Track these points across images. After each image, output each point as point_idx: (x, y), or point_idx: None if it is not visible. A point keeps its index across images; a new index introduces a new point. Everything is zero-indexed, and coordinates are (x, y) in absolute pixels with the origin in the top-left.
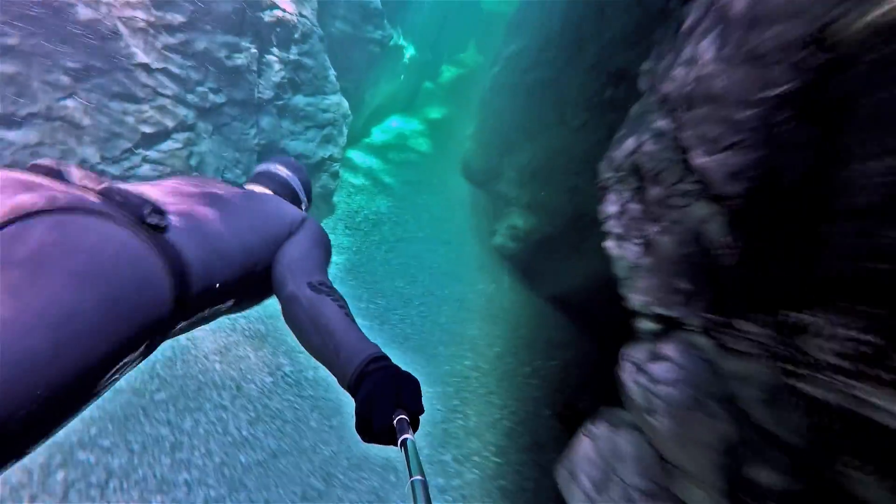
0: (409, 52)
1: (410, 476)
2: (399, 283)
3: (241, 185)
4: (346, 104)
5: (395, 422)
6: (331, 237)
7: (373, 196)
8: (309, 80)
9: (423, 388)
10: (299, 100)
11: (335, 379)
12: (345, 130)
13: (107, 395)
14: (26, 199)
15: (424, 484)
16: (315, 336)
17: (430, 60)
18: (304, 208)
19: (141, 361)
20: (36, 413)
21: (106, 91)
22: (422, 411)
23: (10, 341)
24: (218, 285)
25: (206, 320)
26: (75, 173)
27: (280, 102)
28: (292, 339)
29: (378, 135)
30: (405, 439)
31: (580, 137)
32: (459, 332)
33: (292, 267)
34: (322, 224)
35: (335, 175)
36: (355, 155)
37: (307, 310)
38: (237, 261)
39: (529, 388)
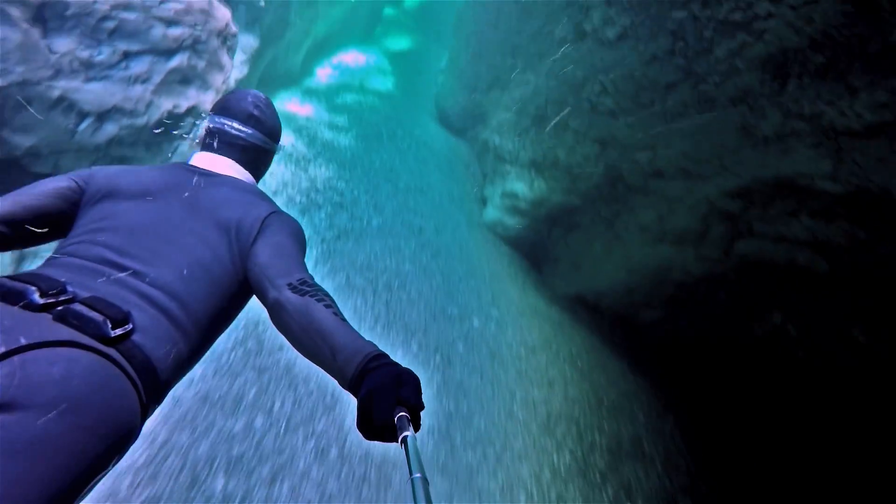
0: None
1: (411, 474)
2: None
3: (193, 169)
4: (224, 13)
5: (395, 419)
6: None
7: (306, 165)
8: None
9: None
10: None
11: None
12: (226, 60)
13: None
14: None
15: (425, 481)
16: (308, 341)
17: None
18: (276, 152)
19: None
20: None
21: None
22: (422, 407)
23: None
24: (189, 353)
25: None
26: (37, 292)
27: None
28: None
29: (323, 74)
30: (405, 436)
31: (618, 55)
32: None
33: (267, 271)
34: None
35: None
36: (286, 102)
37: (295, 316)
38: (205, 317)
39: None
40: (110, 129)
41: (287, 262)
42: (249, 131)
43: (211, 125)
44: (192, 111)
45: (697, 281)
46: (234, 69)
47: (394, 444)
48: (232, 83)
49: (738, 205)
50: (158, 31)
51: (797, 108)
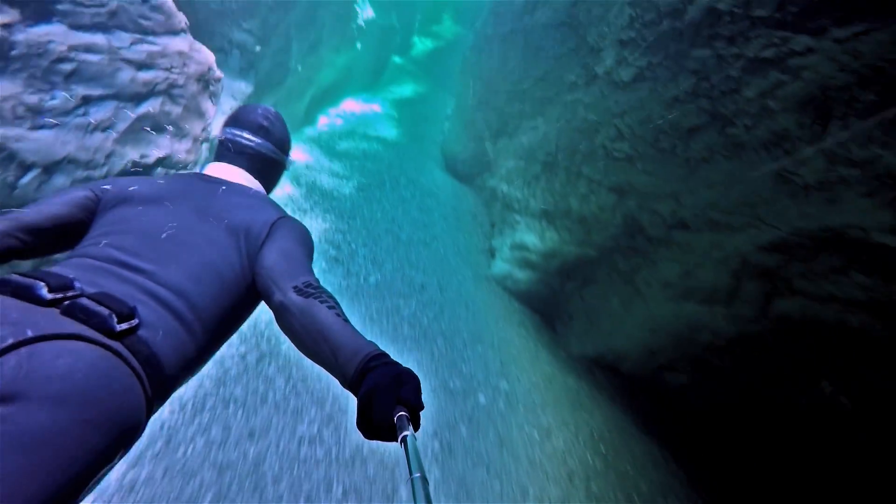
0: (365, 11)
1: (410, 473)
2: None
3: (205, 177)
4: (206, 56)
5: (395, 418)
6: None
7: (301, 216)
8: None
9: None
10: (57, 32)
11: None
12: (208, 106)
13: None
14: None
15: (424, 480)
16: (310, 341)
17: (398, 29)
18: (287, 166)
19: (125, 454)
20: None
21: None
22: (422, 407)
23: None
24: (196, 353)
25: (186, 381)
26: (45, 287)
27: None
28: None
29: (326, 122)
30: (405, 436)
31: (635, 97)
32: None
33: (274, 274)
34: None
35: None
36: None
37: (299, 317)
38: (213, 317)
39: None
40: (60, 181)
41: (293, 265)
42: (259, 141)
43: (223, 137)
44: (165, 161)
45: (729, 343)
46: (223, 115)
47: (393, 443)
48: (218, 131)
49: (775, 259)
50: (126, 74)
51: (844, 152)
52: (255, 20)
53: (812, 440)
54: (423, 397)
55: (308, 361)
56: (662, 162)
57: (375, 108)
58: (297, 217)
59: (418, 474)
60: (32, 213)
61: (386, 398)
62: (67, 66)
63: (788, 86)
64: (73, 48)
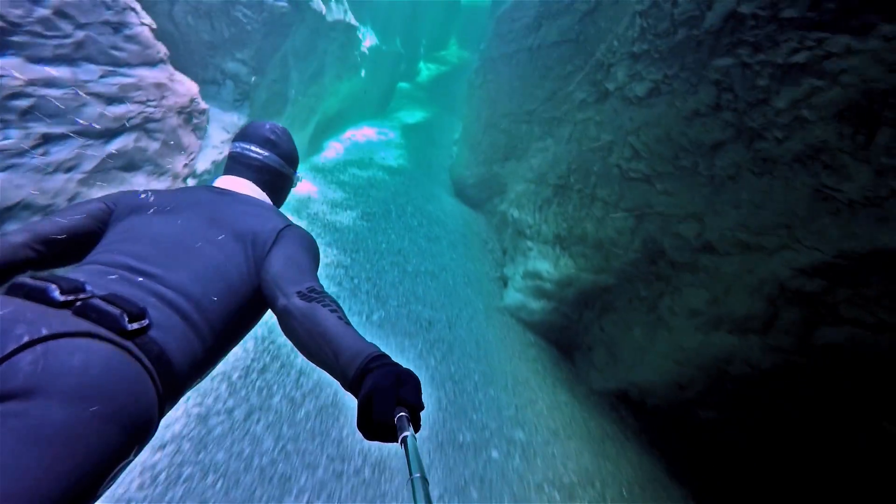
0: (368, 36)
1: (410, 474)
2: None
3: (215, 189)
4: (188, 87)
5: (395, 419)
6: None
7: None
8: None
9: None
10: (11, 65)
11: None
12: (191, 140)
13: None
14: (14, 334)
15: (425, 481)
16: (313, 344)
17: (404, 56)
18: (295, 181)
19: (133, 460)
20: None
21: None
22: (422, 408)
23: (7, 464)
24: (204, 355)
25: (195, 386)
26: (58, 290)
27: None
28: None
29: (332, 150)
30: (405, 436)
31: (651, 113)
32: None
33: (279, 279)
34: None
35: None
36: None
37: (301, 320)
38: (221, 320)
39: None
40: (12, 229)
41: (299, 272)
42: (266, 153)
43: (231, 151)
44: None
45: (767, 375)
46: (213, 149)
47: (394, 444)
48: (208, 165)
49: (816, 284)
50: (93, 109)
51: (895, 162)
52: (249, 50)
53: (879, 483)
54: (426, 460)
55: (300, 416)
56: (684, 181)
57: (382, 134)
58: None
59: (419, 474)
60: (49, 225)
61: (386, 398)
62: (24, 102)
63: (825, 92)
64: (31, 82)
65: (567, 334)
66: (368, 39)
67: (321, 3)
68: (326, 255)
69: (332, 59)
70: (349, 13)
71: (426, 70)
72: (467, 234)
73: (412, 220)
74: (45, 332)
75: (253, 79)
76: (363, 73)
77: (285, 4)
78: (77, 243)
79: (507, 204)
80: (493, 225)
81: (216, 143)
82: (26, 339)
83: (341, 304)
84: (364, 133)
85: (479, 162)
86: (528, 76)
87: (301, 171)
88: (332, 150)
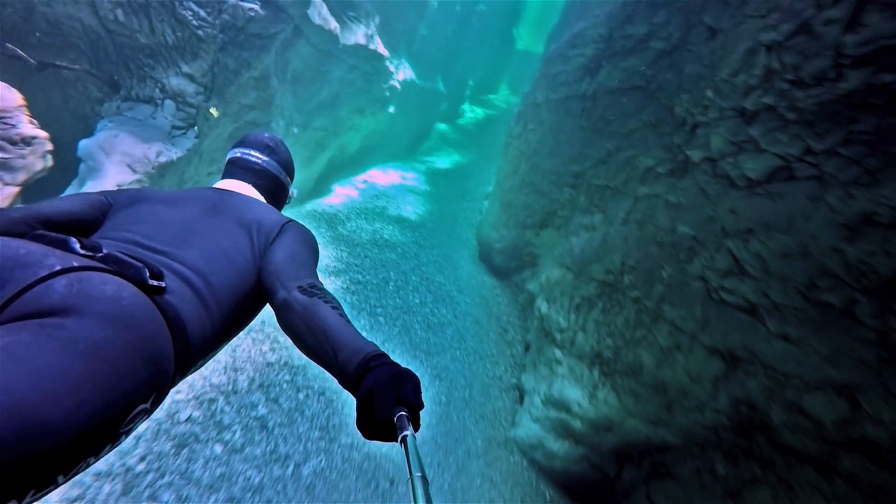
0: (403, 69)
1: (410, 473)
2: None
3: (214, 189)
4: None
5: (395, 418)
6: None
7: (260, 340)
8: None
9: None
10: None
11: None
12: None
13: None
14: (46, 263)
15: (425, 480)
16: (312, 339)
17: (445, 95)
18: (290, 193)
19: (147, 417)
20: (79, 423)
21: None
22: (422, 406)
23: (51, 363)
24: (212, 333)
25: (198, 368)
26: (77, 243)
27: None
28: None
29: (342, 194)
30: (405, 435)
31: (771, 208)
32: None
33: (280, 273)
34: None
35: None
36: None
37: (301, 315)
38: (227, 301)
39: None
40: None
41: (300, 268)
42: (266, 159)
43: (231, 156)
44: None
45: None
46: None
47: (393, 443)
48: None
49: None
50: None
51: None
52: (202, 62)
53: None
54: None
55: None
56: (825, 329)
57: (406, 179)
58: (256, 339)
59: (419, 473)
60: (49, 207)
61: (386, 397)
62: None
63: None
64: None
65: (597, 494)
66: (402, 73)
67: (327, 16)
68: (270, 354)
69: (352, 90)
70: (376, 39)
71: (470, 113)
72: (482, 320)
73: (413, 297)
74: (75, 264)
75: (202, 100)
76: (392, 109)
77: (255, 7)
78: (75, 229)
79: (537, 285)
80: (519, 305)
81: (111, 184)
82: (58, 266)
83: (260, 448)
84: (386, 176)
85: (510, 224)
86: (579, 130)
87: (294, 215)
88: (343, 193)
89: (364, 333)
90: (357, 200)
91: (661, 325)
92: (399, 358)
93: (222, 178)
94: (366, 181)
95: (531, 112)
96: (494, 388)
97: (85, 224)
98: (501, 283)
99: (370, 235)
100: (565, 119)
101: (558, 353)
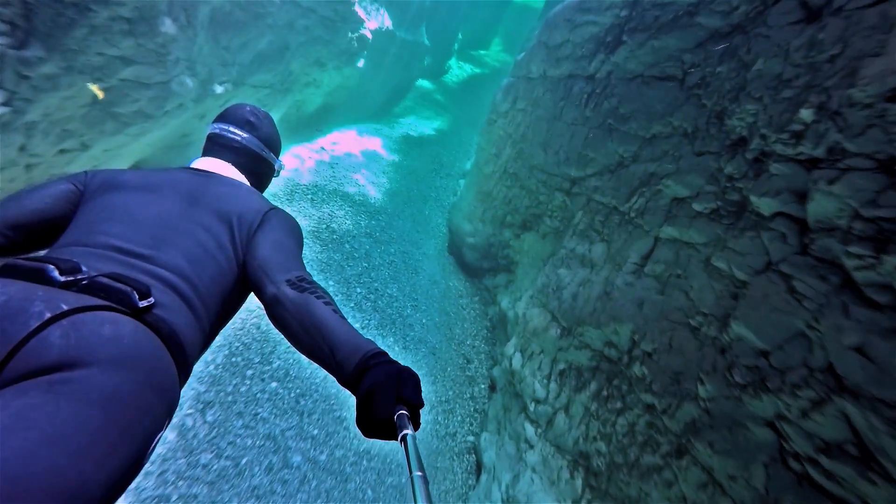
0: (378, 17)
1: (411, 472)
2: None
3: (193, 170)
4: None
5: (395, 417)
6: None
7: None
8: None
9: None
10: None
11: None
12: None
13: None
14: (33, 312)
15: (425, 479)
16: (306, 337)
17: (429, 48)
18: (276, 168)
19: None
20: (110, 475)
21: None
22: (422, 405)
23: (68, 420)
24: (203, 336)
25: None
26: (56, 270)
27: None
28: None
29: (286, 164)
30: (405, 434)
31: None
32: None
33: (266, 266)
34: None
35: None
36: None
37: (293, 312)
38: (213, 300)
39: None
40: None
41: (286, 259)
42: (246, 135)
43: (210, 132)
44: None
45: None
46: None
47: (393, 442)
48: None
49: None
50: None
51: None
52: None
53: None
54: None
55: None
56: None
57: (374, 146)
58: None
59: (419, 473)
60: (16, 210)
61: (386, 396)
62: None
63: None
64: None
65: None
66: (376, 20)
67: None
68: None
69: (306, 39)
70: None
71: (458, 69)
72: (440, 349)
73: (352, 322)
74: (64, 307)
75: (11, 47)
76: (362, 63)
77: None
78: (47, 228)
79: (510, 305)
80: (488, 322)
81: None
82: (48, 315)
83: None
84: (350, 141)
85: (486, 218)
86: (582, 122)
87: None
88: (288, 165)
89: (254, 390)
90: (307, 174)
91: (687, 466)
92: (317, 428)
93: (202, 154)
94: (323, 147)
95: (523, 87)
96: (445, 452)
97: (57, 221)
98: (470, 288)
99: (314, 225)
100: (565, 104)
101: (530, 429)
